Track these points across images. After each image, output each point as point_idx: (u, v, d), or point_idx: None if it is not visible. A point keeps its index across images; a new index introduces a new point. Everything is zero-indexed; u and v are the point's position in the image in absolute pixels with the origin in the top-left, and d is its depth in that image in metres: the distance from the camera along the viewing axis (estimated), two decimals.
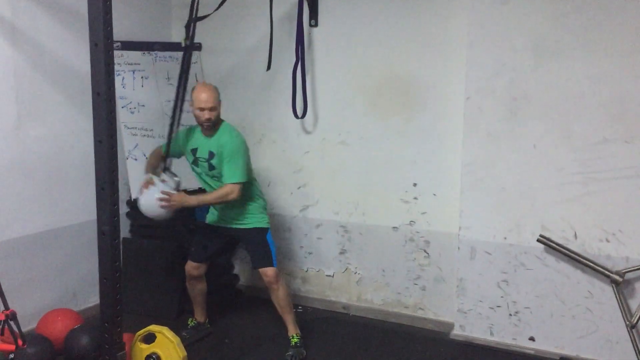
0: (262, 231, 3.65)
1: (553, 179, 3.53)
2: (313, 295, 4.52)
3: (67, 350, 3.36)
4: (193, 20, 3.64)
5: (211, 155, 3.52)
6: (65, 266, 4.07)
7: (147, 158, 3.85)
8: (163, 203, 3.41)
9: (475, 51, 3.64)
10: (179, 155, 3.73)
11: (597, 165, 3.41)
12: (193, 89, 3.55)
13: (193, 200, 3.52)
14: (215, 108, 3.47)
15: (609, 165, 3.39)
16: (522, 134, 3.58)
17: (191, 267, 3.76)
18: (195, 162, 3.60)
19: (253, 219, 3.64)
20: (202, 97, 3.44)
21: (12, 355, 2.90)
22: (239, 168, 3.46)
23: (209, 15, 3.83)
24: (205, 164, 3.56)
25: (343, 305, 4.42)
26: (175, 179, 3.59)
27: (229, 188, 3.43)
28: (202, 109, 3.44)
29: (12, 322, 2.70)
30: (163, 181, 3.52)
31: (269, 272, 3.58)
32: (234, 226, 3.66)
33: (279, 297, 3.62)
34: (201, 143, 3.56)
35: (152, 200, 3.44)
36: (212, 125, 3.51)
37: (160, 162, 3.70)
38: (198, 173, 3.65)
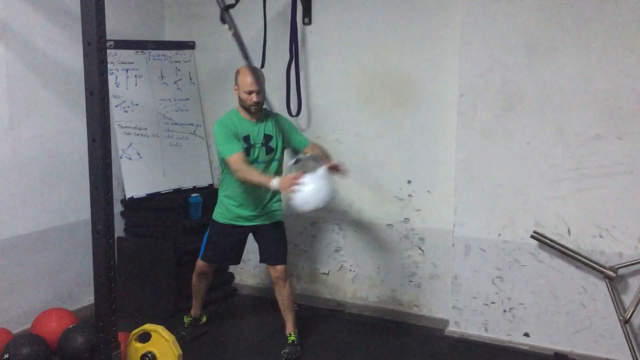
0: (283, 225, 3.66)
1: (546, 176, 3.54)
2: (308, 293, 4.52)
3: (62, 349, 3.34)
4: (224, 8, 3.48)
5: (268, 138, 3.52)
6: (59, 266, 4.06)
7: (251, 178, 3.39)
8: (340, 168, 3.35)
9: (468, 48, 3.65)
10: None
11: (590, 162, 3.43)
12: (238, 72, 3.49)
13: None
14: (263, 90, 3.46)
15: (602, 162, 3.40)
16: (515, 131, 3.59)
17: (203, 264, 3.72)
18: (247, 151, 3.47)
19: (281, 211, 3.65)
20: (250, 79, 3.42)
21: (6, 356, 2.89)
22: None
23: (236, 3, 3.65)
24: (263, 149, 3.51)
25: (338, 302, 4.42)
26: (308, 156, 3.39)
27: (313, 142, 3.63)
28: (250, 92, 3.41)
29: None
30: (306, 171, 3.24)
31: (279, 267, 3.56)
32: (262, 222, 3.57)
33: (285, 294, 3.61)
34: (251, 129, 3.50)
35: (314, 190, 3.13)
36: (260, 109, 3.49)
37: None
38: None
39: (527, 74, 3.52)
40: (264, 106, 3.53)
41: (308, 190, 3.12)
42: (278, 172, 3.60)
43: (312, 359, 3.61)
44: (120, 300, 3.03)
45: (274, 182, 3.26)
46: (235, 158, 3.36)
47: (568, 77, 3.43)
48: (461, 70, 3.69)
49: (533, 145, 3.56)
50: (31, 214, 3.85)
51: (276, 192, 3.58)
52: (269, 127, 3.55)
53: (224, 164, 3.51)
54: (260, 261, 3.72)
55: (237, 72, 3.51)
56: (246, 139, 3.49)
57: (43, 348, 3.24)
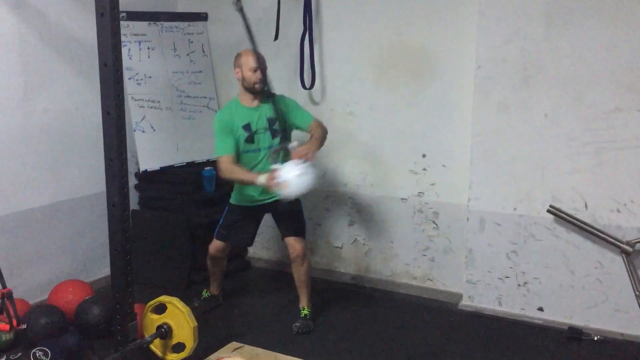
0: (298, 201, 3.64)
1: (564, 149, 3.50)
2: (322, 266, 4.53)
3: (79, 320, 3.39)
4: None
5: (271, 121, 3.50)
6: (75, 238, 4.09)
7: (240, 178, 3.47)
8: (308, 157, 3.28)
9: (486, 19, 3.58)
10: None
11: (609, 135, 3.37)
12: (238, 55, 3.50)
13: (317, 145, 3.43)
14: (266, 68, 3.48)
15: (621, 135, 3.34)
16: (533, 104, 3.54)
17: (216, 248, 3.73)
18: (250, 139, 3.48)
19: None
20: (253, 57, 3.43)
21: (24, 326, 2.93)
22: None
23: None
24: (268, 133, 3.50)
25: (352, 276, 4.43)
26: (294, 143, 3.43)
27: (318, 121, 3.56)
28: (255, 69, 3.42)
29: (7, 302, 2.67)
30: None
31: (298, 245, 3.55)
32: (273, 199, 3.51)
33: (302, 271, 3.61)
34: (252, 116, 3.49)
35: (295, 179, 3.23)
36: (264, 87, 3.48)
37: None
38: (253, 150, 3.50)
39: (545, 46, 3.45)
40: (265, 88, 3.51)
41: (289, 182, 3.24)
42: (287, 155, 3.53)
43: (325, 332, 3.63)
44: (135, 272, 3.06)
45: (261, 179, 3.29)
46: (223, 159, 3.42)
47: (588, 48, 3.36)
48: (478, 42, 3.62)
49: (551, 118, 3.50)
50: (46, 187, 3.87)
51: None
52: (270, 110, 3.51)
53: None
54: (282, 238, 3.68)
55: (238, 55, 3.50)
56: (247, 127, 3.47)
57: (60, 319, 3.29)
